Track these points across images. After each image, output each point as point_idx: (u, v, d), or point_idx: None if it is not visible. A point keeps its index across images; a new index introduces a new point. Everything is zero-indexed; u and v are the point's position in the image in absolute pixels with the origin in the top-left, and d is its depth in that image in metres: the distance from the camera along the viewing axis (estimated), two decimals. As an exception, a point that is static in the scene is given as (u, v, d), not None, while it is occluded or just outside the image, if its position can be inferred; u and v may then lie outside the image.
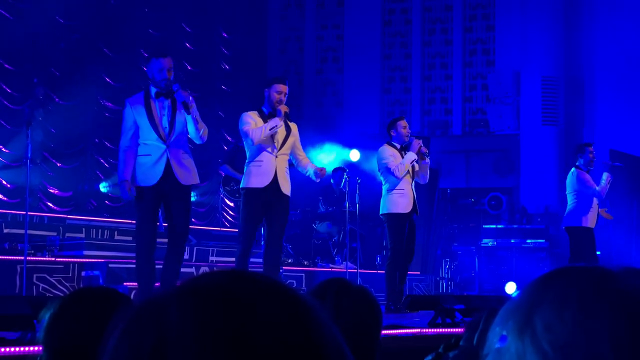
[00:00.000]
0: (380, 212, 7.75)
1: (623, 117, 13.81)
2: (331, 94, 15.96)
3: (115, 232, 9.29)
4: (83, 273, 7.51)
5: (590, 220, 8.85)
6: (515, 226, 12.75)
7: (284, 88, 6.74)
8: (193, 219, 9.61)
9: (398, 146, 7.73)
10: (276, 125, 6.54)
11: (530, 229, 12.68)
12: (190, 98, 5.88)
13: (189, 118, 5.90)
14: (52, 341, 1.74)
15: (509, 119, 14.40)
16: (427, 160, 7.87)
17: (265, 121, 6.57)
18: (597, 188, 8.71)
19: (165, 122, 5.97)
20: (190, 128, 5.96)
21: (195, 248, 9.13)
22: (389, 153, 7.63)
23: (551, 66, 14.11)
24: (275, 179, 6.60)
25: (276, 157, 6.62)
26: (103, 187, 11.68)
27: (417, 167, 7.82)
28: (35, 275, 7.15)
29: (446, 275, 12.54)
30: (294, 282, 9.69)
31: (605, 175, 8.78)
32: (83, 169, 11.48)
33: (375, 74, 15.40)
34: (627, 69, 13.93)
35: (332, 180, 11.66)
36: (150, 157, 5.96)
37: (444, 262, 12.64)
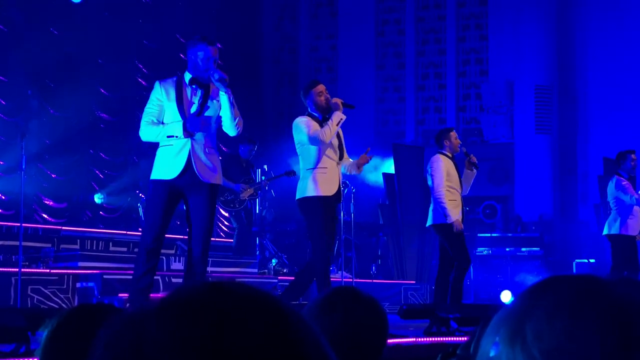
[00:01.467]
0: (432, 223, 7.56)
1: (616, 125, 13.85)
2: (325, 104, 15.98)
3: (110, 243, 9.27)
4: (78, 285, 7.48)
5: (632, 228, 8.71)
6: (510, 235, 12.76)
7: (322, 87, 6.57)
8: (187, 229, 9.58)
9: (450, 155, 7.67)
10: (341, 119, 6.29)
11: (525, 237, 12.69)
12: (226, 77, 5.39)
13: (225, 100, 5.41)
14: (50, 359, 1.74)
15: (503, 128, 14.44)
16: (475, 170, 7.81)
17: (321, 126, 6.31)
18: (635, 195, 8.61)
19: (193, 109, 5.47)
20: (226, 113, 5.43)
21: (190, 258, 9.09)
22: (441, 165, 7.54)
23: (544, 75, 14.16)
24: (339, 188, 6.41)
25: (337, 164, 6.42)
26: (98, 198, 11.66)
27: (469, 177, 7.73)
28: (29, 287, 7.13)
29: (441, 284, 12.51)
30: (290, 292, 9.67)
31: None
32: (78, 180, 11.46)
33: (369, 83, 15.44)
34: (619, 78, 13.99)
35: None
36: (172, 147, 5.41)
37: (439, 271, 12.62)
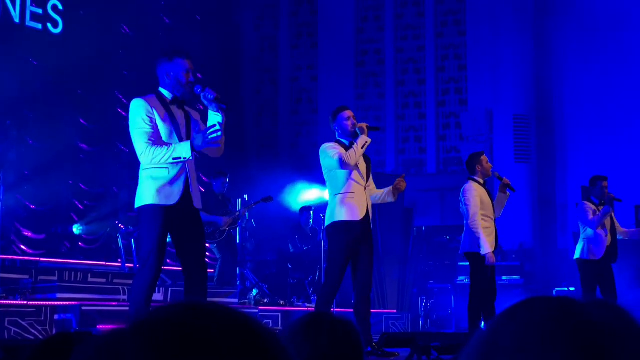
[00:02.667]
0: (465, 251, 7.50)
1: (593, 154, 13.97)
2: (306, 134, 16.03)
3: (89, 274, 9.19)
4: (56, 316, 7.40)
5: (591, 253, 8.69)
6: (490, 263, 12.76)
7: (350, 113, 6.53)
8: (168, 260, 9.54)
9: (481, 181, 7.66)
10: (366, 142, 6.25)
11: (505, 265, 12.71)
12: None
13: (217, 119, 5.05)
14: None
15: (483, 156, 14.50)
16: (508, 193, 7.74)
17: (347, 150, 6.27)
18: (590, 218, 8.65)
19: (183, 133, 5.11)
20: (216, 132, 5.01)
21: (170, 289, 9.05)
22: (474, 193, 7.51)
23: (522, 105, 14.28)
24: (367, 212, 6.34)
25: (365, 189, 6.36)
26: (77, 229, 11.58)
27: (502, 199, 7.68)
28: (7, 319, 7.05)
29: (422, 313, 12.51)
30: (270, 322, 9.63)
31: (603, 208, 8.70)
32: (57, 210, 11.38)
33: (349, 113, 15.49)
34: (596, 107, 14.14)
35: (299, 220, 11.73)
36: (167, 170, 5.02)
37: (420, 299, 12.62)
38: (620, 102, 13.98)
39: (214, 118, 5.10)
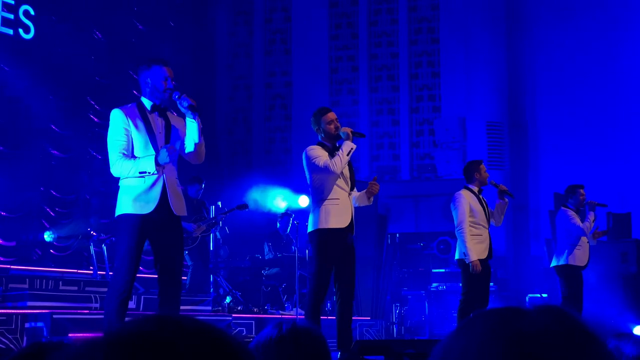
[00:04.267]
0: (457, 258, 7.63)
1: (566, 161, 14.10)
2: (280, 140, 16.02)
3: (60, 282, 9.10)
4: (26, 324, 7.32)
5: (579, 259, 8.79)
6: (464, 270, 12.81)
7: (333, 115, 6.40)
8: (141, 267, 9.47)
9: (476, 190, 7.73)
10: (352, 149, 6.17)
11: (479, 272, 12.75)
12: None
13: (195, 127, 5.17)
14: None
15: (456, 163, 14.58)
16: (507, 200, 7.80)
17: (331, 155, 6.17)
18: (580, 225, 8.70)
19: (162, 141, 5.20)
20: (194, 140, 5.17)
21: (142, 297, 8.98)
22: (463, 201, 7.58)
23: (495, 112, 14.39)
24: (351, 220, 6.28)
25: (349, 194, 6.30)
26: (48, 236, 11.47)
27: (502, 207, 7.75)
28: (-24, 328, 6.96)
29: (396, 320, 12.53)
30: (244, 329, 9.59)
31: (591, 215, 8.77)
32: (28, 218, 11.27)
33: (323, 120, 15.50)
34: (568, 114, 14.27)
35: (278, 225, 11.70)
36: (143, 181, 5.11)
37: (394, 306, 12.64)
38: (592, 109, 14.12)
39: (191, 125, 5.20)
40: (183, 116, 5.40)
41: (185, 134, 5.31)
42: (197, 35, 15.11)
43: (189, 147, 5.26)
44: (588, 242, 8.85)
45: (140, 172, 5.09)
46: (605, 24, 14.19)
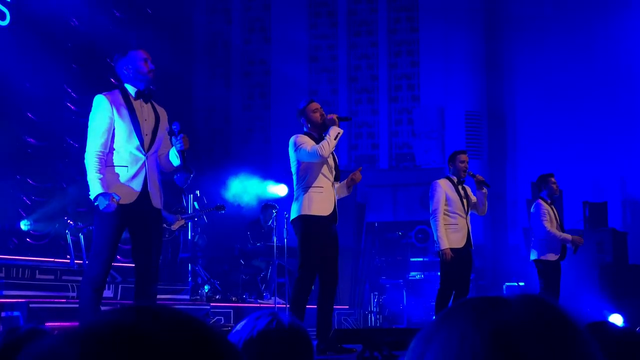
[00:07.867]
0: (436, 249, 7.70)
1: (543, 150, 14.18)
2: (258, 130, 15.98)
3: (37, 271, 9.03)
4: (3, 314, 7.27)
5: (551, 254, 8.73)
6: (441, 259, 12.86)
7: (316, 105, 6.49)
8: (118, 256, 9.43)
9: (455, 179, 7.80)
10: (339, 133, 6.16)
11: (457, 261, 12.81)
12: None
13: (177, 145, 5.16)
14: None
15: (435, 153, 14.63)
16: (485, 190, 7.82)
17: (317, 143, 6.18)
18: (548, 229, 8.68)
19: (147, 129, 5.14)
20: (172, 160, 5.25)
21: (120, 286, 8.95)
22: (438, 190, 7.64)
23: (473, 102, 14.43)
24: (334, 209, 6.28)
25: (333, 184, 6.29)
26: (24, 225, 11.37)
27: (473, 199, 7.80)
28: (-49, 318, 6.90)
29: (375, 309, 12.57)
30: (222, 318, 9.58)
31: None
32: (3, 206, 11.16)
33: (302, 109, 15.48)
34: (546, 104, 14.35)
35: (260, 217, 11.67)
36: (126, 168, 5.05)
37: (372, 295, 12.68)
38: (570, 100, 14.20)
39: (174, 143, 5.19)
40: (166, 109, 5.42)
41: (167, 127, 5.32)
42: (175, 23, 15.01)
43: (174, 161, 5.27)
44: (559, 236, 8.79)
45: (117, 166, 5.08)
46: (585, 14, 14.26)
